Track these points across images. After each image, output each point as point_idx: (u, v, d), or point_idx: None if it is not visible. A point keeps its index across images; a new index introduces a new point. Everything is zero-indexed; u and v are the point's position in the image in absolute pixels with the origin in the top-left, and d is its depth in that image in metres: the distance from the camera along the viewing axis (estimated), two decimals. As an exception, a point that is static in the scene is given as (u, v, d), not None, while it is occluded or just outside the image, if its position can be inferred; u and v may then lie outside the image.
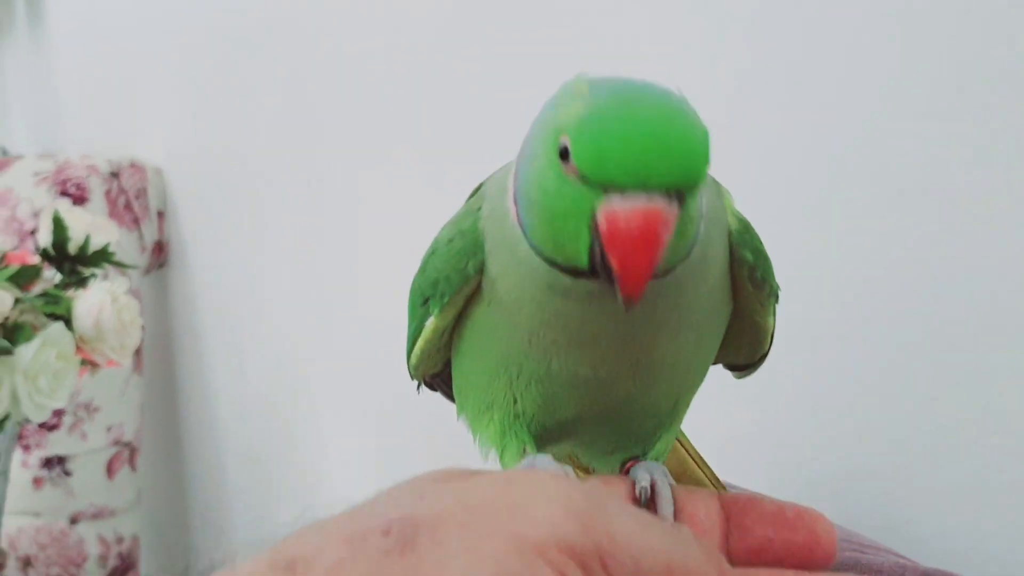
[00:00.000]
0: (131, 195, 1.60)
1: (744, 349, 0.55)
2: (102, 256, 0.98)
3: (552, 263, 0.45)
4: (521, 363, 0.50)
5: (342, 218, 1.27)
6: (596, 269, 0.43)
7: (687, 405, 0.54)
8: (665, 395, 0.52)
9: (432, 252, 0.53)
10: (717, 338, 0.52)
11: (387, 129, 1.18)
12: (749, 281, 0.51)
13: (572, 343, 0.48)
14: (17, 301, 0.93)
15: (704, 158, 0.43)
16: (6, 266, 0.97)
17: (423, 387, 0.60)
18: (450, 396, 0.59)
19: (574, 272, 0.44)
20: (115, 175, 1.59)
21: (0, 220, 1.55)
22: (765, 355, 0.55)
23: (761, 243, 0.51)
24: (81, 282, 0.99)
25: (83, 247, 0.98)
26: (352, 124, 1.23)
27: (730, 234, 0.50)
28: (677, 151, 0.42)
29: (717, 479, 0.61)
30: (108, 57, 1.92)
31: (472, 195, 0.54)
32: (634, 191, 0.42)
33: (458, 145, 1.07)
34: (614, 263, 0.42)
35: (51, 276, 1.02)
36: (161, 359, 1.66)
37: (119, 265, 1.03)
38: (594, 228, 0.42)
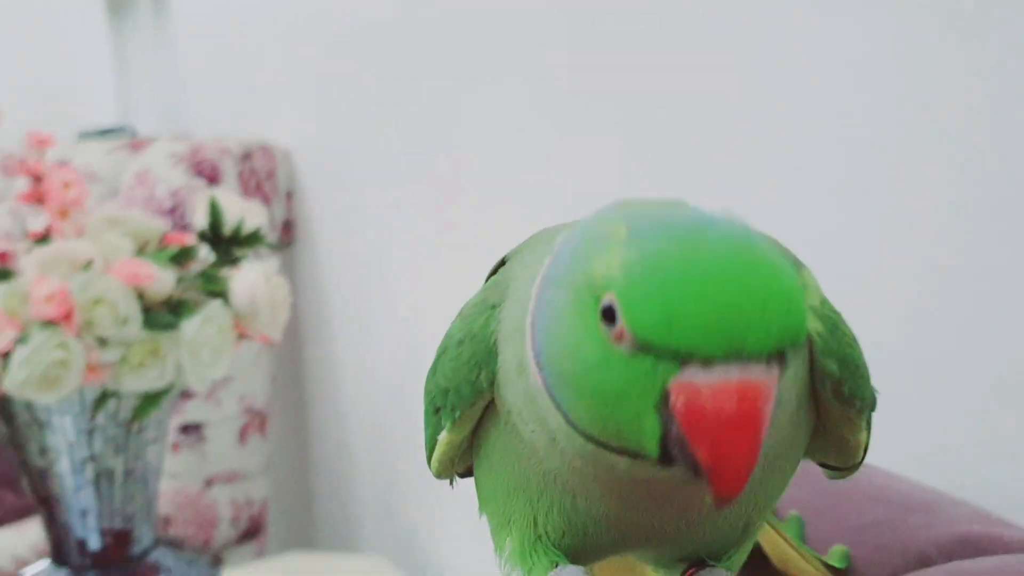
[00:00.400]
0: (261, 176, 1.69)
1: (833, 457, 0.47)
2: (254, 239, 1.06)
3: (599, 442, 0.36)
4: (541, 490, 0.43)
5: (468, 198, 1.33)
6: (671, 456, 0.34)
7: (760, 525, 0.47)
8: (729, 524, 0.44)
9: (443, 351, 0.46)
10: (794, 462, 0.45)
11: (519, 111, 1.23)
12: (834, 397, 0.42)
13: (606, 495, 0.40)
14: (179, 280, 1.02)
15: (803, 304, 0.34)
16: (166, 247, 1.06)
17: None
18: None
19: (632, 453, 0.36)
20: (247, 157, 1.68)
21: (139, 200, 1.65)
22: (860, 462, 0.47)
23: (852, 346, 0.42)
24: (233, 262, 1.07)
25: (237, 230, 1.06)
26: (482, 106, 1.29)
27: (810, 340, 0.41)
28: (777, 304, 0.33)
29: (822, 562, 0.57)
30: (234, 39, 2.02)
31: (493, 272, 0.47)
32: (723, 361, 0.32)
33: (591, 129, 1.13)
34: (703, 457, 0.33)
35: (204, 256, 1.10)
36: (289, 333, 1.75)
37: (267, 246, 1.11)
38: (665, 410, 0.33)
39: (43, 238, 1.01)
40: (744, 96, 0.91)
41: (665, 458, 0.34)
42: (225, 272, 1.05)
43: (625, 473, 0.37)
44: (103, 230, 1.02)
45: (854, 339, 0.43)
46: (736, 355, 0.32)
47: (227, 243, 1.06)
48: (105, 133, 2.39)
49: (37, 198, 1.02)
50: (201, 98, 2.27)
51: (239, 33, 1.98)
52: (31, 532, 1.49)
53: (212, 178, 1.65)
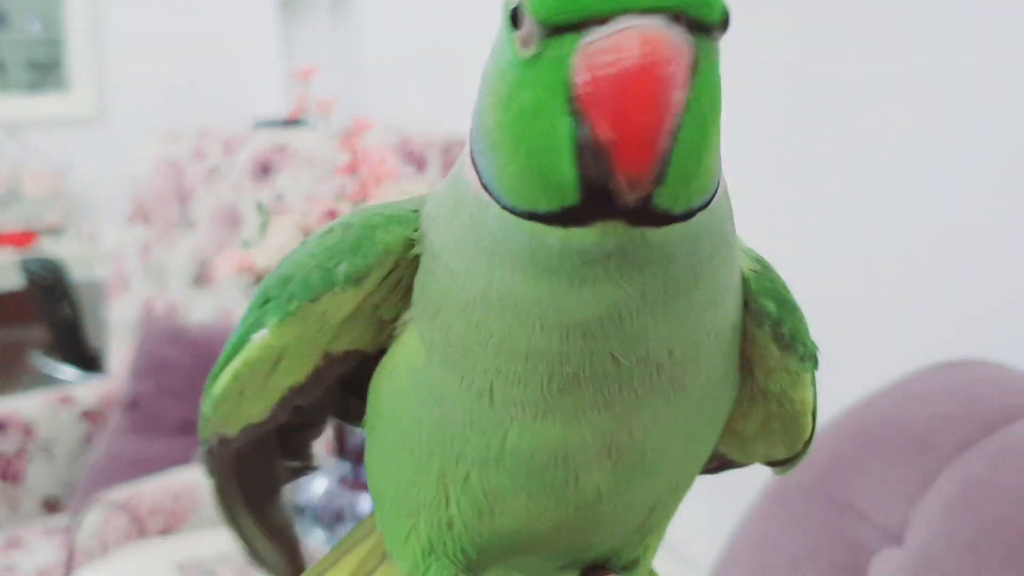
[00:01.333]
0: (459, 165, 2.05)
1: (779, 438, 0.46)
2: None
3: (534, 216, 0.35)
4: (465, 438, 0.40)
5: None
6: (591, 191, 0.33)
7: (665, 520, 0.45)
8: (641, 494, 0.42)
9: (301, 244, 0.43)
10: (716, 422, 0.43)
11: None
12: (773, 341, 0.41)
13: (552, 379, 0.37)
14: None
15: None
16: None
17: (211, 456, 0.47)
18: (242, 497, 0.50)
19: (565, 219, 0.34)
20: (448, 149, 2.04)
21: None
22: (809, 441, 0.46)
23: (787, 290, 0.41)
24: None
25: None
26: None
27: (744, 279, 0.40)
28: None
29: None
30: (413, 38, 2.37)
31: None
32: (621, 14, 0.31)
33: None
34: (603, 127, 0.31)
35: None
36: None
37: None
38: (576, 110, 0.32)
39: (359, 200, 1.37)
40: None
41: (587, 199, 0.33)
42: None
43: (565, 268, 0.35)
44: (399, 197, 1.38)
45: (785, 286, 0.42)
46: (630, 4, 0.31)
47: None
48: (286, 124, 2.76)
49: (352, 169, 1.39)
50: (374, 91, 2.64)
51: (416, 32, 2.34)
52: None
53: (420, 165, 2.01)
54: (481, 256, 0.37)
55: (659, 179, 0.31)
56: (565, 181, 0.33)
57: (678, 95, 0.31)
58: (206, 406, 0.44)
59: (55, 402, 2.14)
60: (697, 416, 0.40)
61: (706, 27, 0.32)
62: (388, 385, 0.42)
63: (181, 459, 2.01)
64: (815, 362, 0.42)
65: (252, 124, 2.78)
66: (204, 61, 3.25)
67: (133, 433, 2.10)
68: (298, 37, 3.06)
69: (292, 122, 2.74)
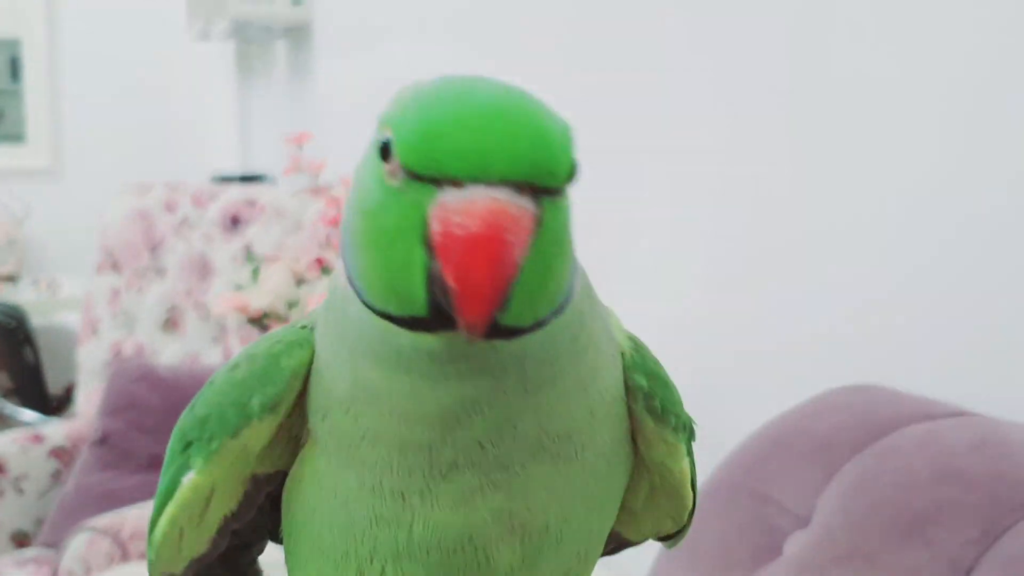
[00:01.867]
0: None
1: (665, 511, 0.49)
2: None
3: (387, 316, 0.38)
4: (374, 535, 0.42)
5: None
6: (439, 309, 0.36)
7: None
8: (552, 566, 0.44)
9: (209, 383, 0.45)
10: (614, 490, 0.45)
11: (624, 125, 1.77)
12: (648, 414, 0.44)
13: (432, 467, 0.40)
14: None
15: (565, 150, 0.36)
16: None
17: None
18: None
19: (413, 323, 0.37)
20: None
21: (321, 234, 2.22)
22: (692, 512, 0.49)
23: (658, 366, 0.45)
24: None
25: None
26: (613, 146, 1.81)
27: (622, 356, 0.44)
28: (526, 134, 0.35)
29: None
30: (364, 100, 2.56)
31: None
32: (474, 183, 0.35)
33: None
34: (450, 277, 0.34)
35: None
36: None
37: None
38: (429, 245, 0.35)
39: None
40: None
41: (434, 317, 0.36)
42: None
43: (417, 364, 0.38)
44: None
45: (658, 363, 0.45)
46: (482, 176, 0.34)
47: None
48: (245, 179, 2.92)
49: (336, 222, 1.59)
50: (327, 150, 2.81)
51: (368, 96, 2.53)
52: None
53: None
54: (346, 349, 0.40)
55: (501, 312, 0.35)
56: (416, 298, 0.36)
57: (518, 255, 0.34)
58: (150, 552, 0.46)
59: (26, 440, 2.26)
60: (594, 484, 0.44)
61: (552, 190, 0.36)
62: (297, 493, 0.45)
63: (150, 494, 2.13)
64: (690, 433, 0.46)
65: (209, 178, 2.94)
66: (160, 118, 3.42)
67: (102, 469, 2.22)
68: (254, 94, 3.23)
69: (249, 177, 2.91)
